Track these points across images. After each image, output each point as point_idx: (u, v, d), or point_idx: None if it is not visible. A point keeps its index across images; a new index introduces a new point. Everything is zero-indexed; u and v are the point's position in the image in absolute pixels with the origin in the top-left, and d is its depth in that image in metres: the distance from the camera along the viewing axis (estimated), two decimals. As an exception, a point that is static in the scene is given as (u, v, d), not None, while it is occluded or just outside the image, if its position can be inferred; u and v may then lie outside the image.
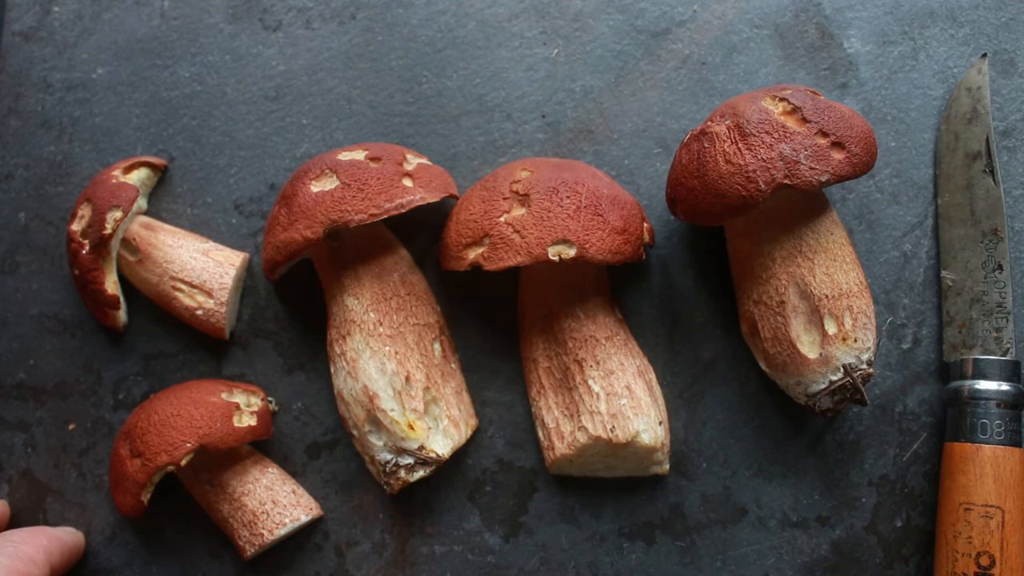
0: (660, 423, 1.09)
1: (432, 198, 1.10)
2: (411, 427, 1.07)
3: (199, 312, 1.15)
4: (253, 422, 1.11)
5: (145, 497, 1.08)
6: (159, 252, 1.16)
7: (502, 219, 1.07)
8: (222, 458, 1.11)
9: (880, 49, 1.20)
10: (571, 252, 1.04)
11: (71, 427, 1.20)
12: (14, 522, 1.18)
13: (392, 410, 1.07)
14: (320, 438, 1.18)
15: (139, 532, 1.18)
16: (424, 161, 1.16)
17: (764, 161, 0.98)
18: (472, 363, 1.18)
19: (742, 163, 0.98)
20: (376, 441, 1.08)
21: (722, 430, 1.14)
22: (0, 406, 1.22)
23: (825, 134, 0.99)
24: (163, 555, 1.17)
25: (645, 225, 1.12)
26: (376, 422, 1.08)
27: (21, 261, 1.25)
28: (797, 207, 1.04)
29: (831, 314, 1.02)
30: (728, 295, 1.16)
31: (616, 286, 1.18)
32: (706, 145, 1.02)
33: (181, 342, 1.21)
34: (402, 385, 1.08)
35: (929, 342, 1.14)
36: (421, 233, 1.21)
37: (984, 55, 1.17)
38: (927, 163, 1.18)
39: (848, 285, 1.03)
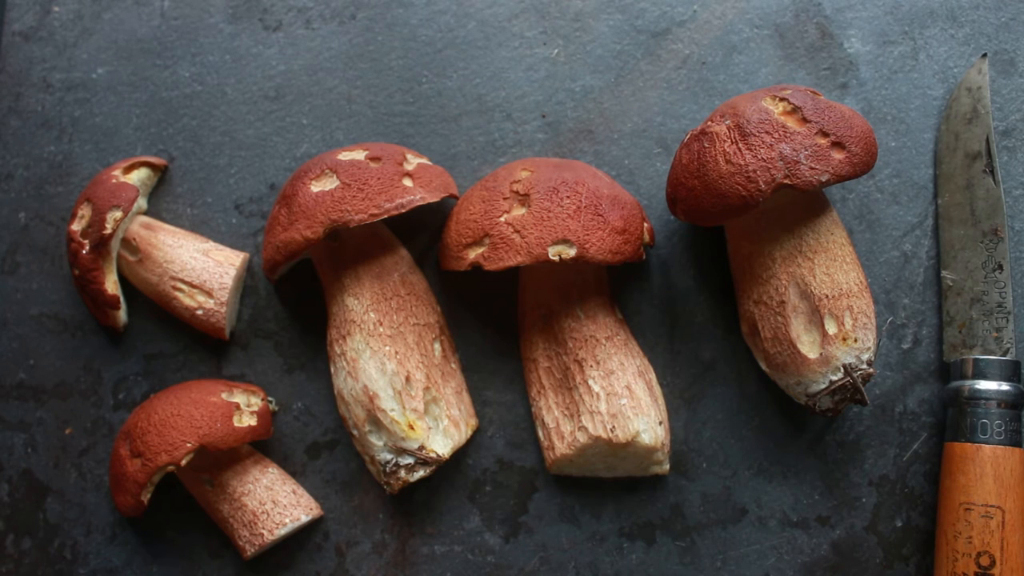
0: (660, 423, 1.09)
1: (432, 198, 1.10)
2: (411, 427, 1.07)
3: (199, 312, 1.15)
4: (253, 422, 1.11)
5: (145, 497, 1.08)
6: (159, 252, 1.16)
7: (502, 219, 1.07)
8: (222, 458, 1.11)
9: (880, 49, 1.20)
10: (571, 252, 1.04)
11: (68, 431, 1.20)
12: (13, 522, 1.18)
13: (392, 410, 1.07)
14: (320, 438, 1.18)
15: (139, 532, 1.18)
16: (424, 161, 1.16)
17: (764, 161, 0.98)
18: (472, 363, 1.18)
19: (742, 163, 0.98)
20: (376, 441, 1.08)
21: (722, 430, 1.14)
22: (0, 406, 1.22)
23: (825, 134, 0.99)
24: (163, 555, 1.17)
25: (645, 225, 1.12)
26: (376, 422, 1.08)
27: (21, 261, 1.24)
28: (797, 207, 1.04)
29: (831, 314, 1.02)
30: (728, 295, 1.16)
31: (616, 286, 1.18)
32: (706, 145, 1.02)
33: (181, 342, 1.21)
34: (402, 385, 1.08)
35: (929, 342, 1.14)
36: (421, 233, 1.21)
37: (984, 55, 1.17)
38: (927, 163, 1.17)
39: (848, 285, 1.03)
